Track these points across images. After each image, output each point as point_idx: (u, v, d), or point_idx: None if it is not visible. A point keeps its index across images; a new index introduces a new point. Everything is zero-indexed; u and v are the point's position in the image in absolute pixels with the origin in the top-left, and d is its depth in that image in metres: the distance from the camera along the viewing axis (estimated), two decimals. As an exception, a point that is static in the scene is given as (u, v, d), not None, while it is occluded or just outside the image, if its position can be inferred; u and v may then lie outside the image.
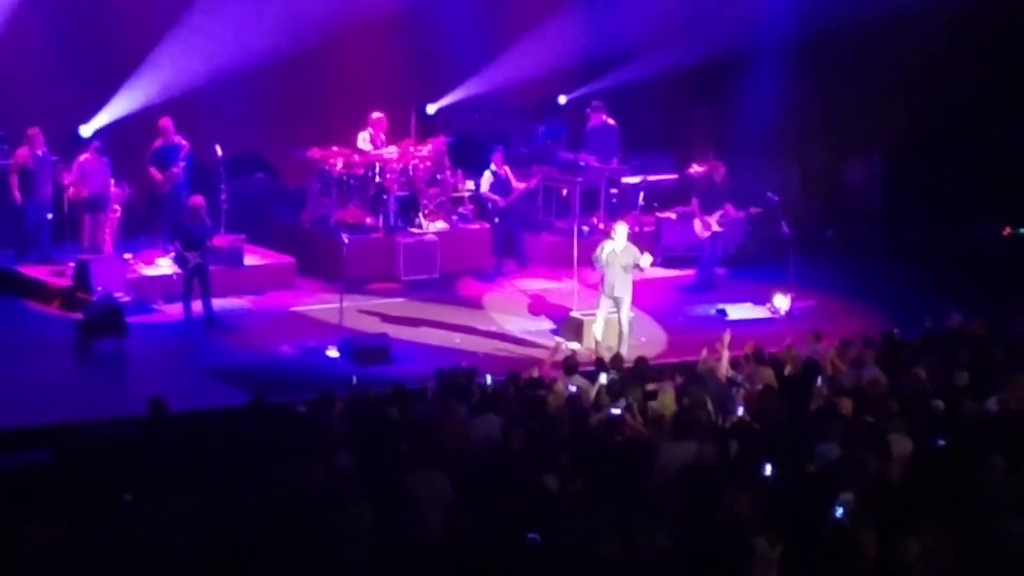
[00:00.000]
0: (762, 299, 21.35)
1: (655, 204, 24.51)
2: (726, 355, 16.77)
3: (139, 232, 22.10)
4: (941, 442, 14.27)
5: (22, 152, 21.27)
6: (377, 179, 22.65)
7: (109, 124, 22.43)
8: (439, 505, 12.49)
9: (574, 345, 19.15)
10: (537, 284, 22.44)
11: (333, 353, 18.69)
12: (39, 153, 21.28)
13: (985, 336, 17.99)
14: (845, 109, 24.81)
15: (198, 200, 20.47)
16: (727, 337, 17.05)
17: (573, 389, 15.86)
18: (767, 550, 11.71)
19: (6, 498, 12.60)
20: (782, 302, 21.11)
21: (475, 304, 21.57)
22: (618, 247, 19.30)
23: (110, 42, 22.62)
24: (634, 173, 24.66)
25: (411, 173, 22.89)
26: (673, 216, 23.73)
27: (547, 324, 20.43)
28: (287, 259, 22.25)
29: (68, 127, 22.33)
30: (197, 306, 20.04)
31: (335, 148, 22.85)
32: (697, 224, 22.46)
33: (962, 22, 24.27)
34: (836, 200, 26.21)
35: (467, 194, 23.59)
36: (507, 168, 23.08)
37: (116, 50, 22.68)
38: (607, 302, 19.26)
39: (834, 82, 25.03)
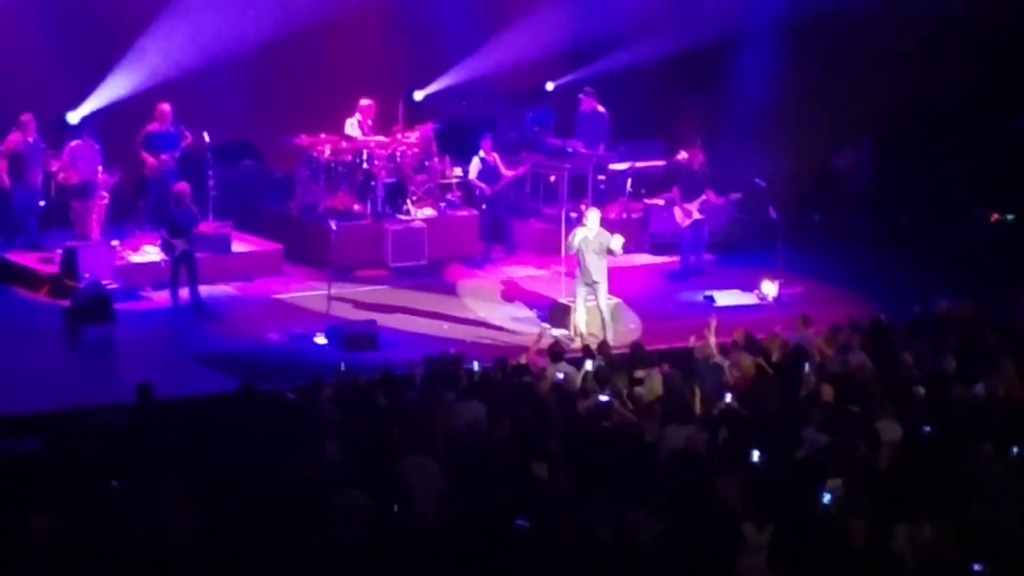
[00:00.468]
0: (750, 285, 21.32)
1: (643, 191, 24.44)
2: (713, 341, 16.78)
3: (126, 219, 22.05)
4: (928, 429, 14.32)
5: (14, 137, 21.16)
6: (365, 166, 22.59)
7: (97, 110, 22.35)
8: (430, 491, 12.52)
9: (559, 332, 19.11)
10: (525, 271, 22.41)
11: (321, 340, 18.68)
12: (30, 139, 21.21)
13: (973, 321, 18.01)
14: (834, 95, 24.77)
15: (183, 187, 20.42)
16: (714, 323, 17.09)
17: (560, 376, 15.87)
18: (755, 535, 11.76)
19: (1, 487, 12.61)
20: (770, 288, 21.09)
21: (462, 290, 21.55)
22: (590, 233, 19.26)
23: (99, 28, 22.52)
24: (622, 159, 24.58)
25: (399, 160, 22.84)
26: (661, 203, 23.68)
27: (529, 312, 20.37)
28: (275, 246, 22.18)
29: (57, 113, 22.24)
30: (184, 293, 20.02)
31: (323, 135, 22.79)
32: (677, 212, 22.41)
33: (952, 6, 24.24)
34: (825, 186, 26.19)
35: (455, 181, 23.53)
36: (496, 155, 23.05)
37: (105, 37, 22.57)
38: (583, 289, 19.22)
39: (824, 68, 24.97)
